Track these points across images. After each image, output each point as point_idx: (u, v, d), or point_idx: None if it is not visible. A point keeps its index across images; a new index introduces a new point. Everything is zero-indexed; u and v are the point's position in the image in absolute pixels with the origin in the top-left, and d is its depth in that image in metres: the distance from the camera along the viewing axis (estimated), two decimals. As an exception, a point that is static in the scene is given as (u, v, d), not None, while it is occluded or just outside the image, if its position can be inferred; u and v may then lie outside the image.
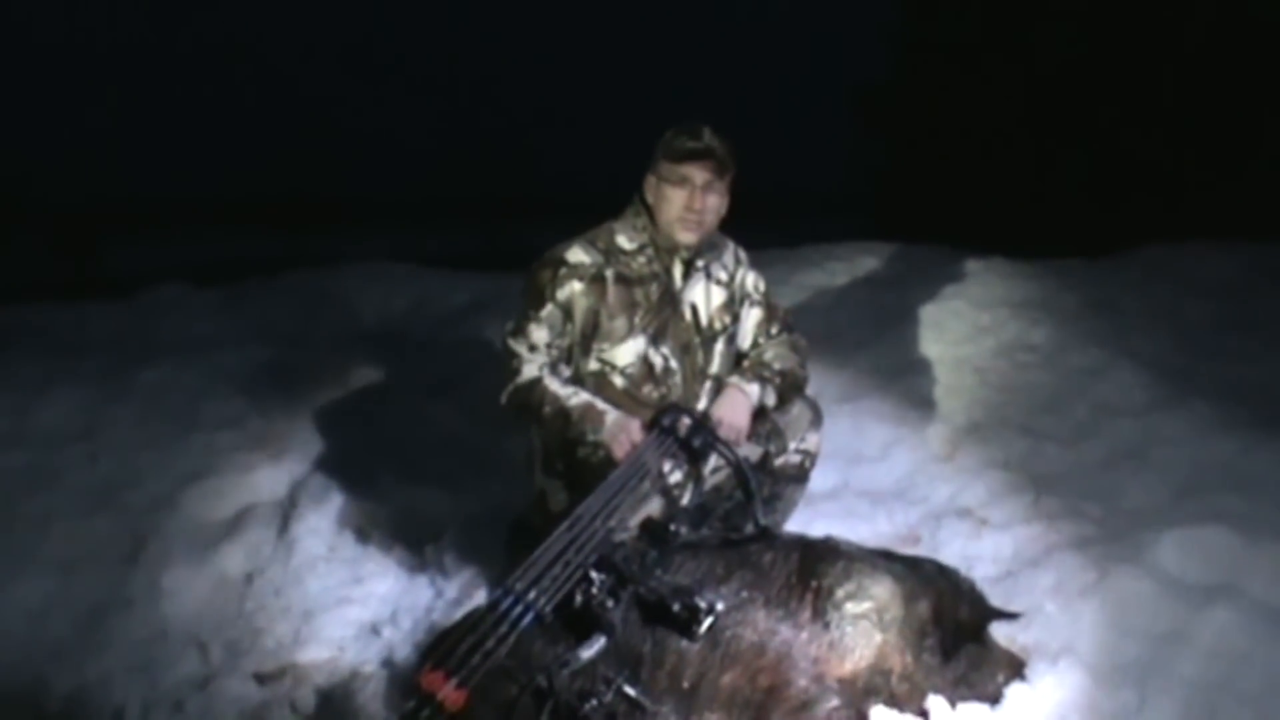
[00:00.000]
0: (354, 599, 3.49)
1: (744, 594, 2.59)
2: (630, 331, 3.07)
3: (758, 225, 3.99)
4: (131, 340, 5.87)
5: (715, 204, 3.07)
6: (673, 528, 2.75)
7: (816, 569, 2.62)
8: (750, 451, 3.11)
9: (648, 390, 3.09)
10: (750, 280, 3.30)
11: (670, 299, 3.12)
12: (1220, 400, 4.45)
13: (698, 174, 3.01)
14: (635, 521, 2.80)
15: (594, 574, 2.53)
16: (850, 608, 2.56)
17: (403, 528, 3.84)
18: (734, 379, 3.14)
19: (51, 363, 5.24)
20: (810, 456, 3.30)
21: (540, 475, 3.18)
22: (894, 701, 2.50)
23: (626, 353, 3.08)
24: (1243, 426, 4.17)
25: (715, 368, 3.20)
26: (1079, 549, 3.41)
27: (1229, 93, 9.81)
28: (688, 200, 3.02)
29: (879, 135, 12.43)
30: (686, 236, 3.06)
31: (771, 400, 3.15)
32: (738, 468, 2.92)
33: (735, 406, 3.06)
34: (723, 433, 2.98)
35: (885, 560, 2.74)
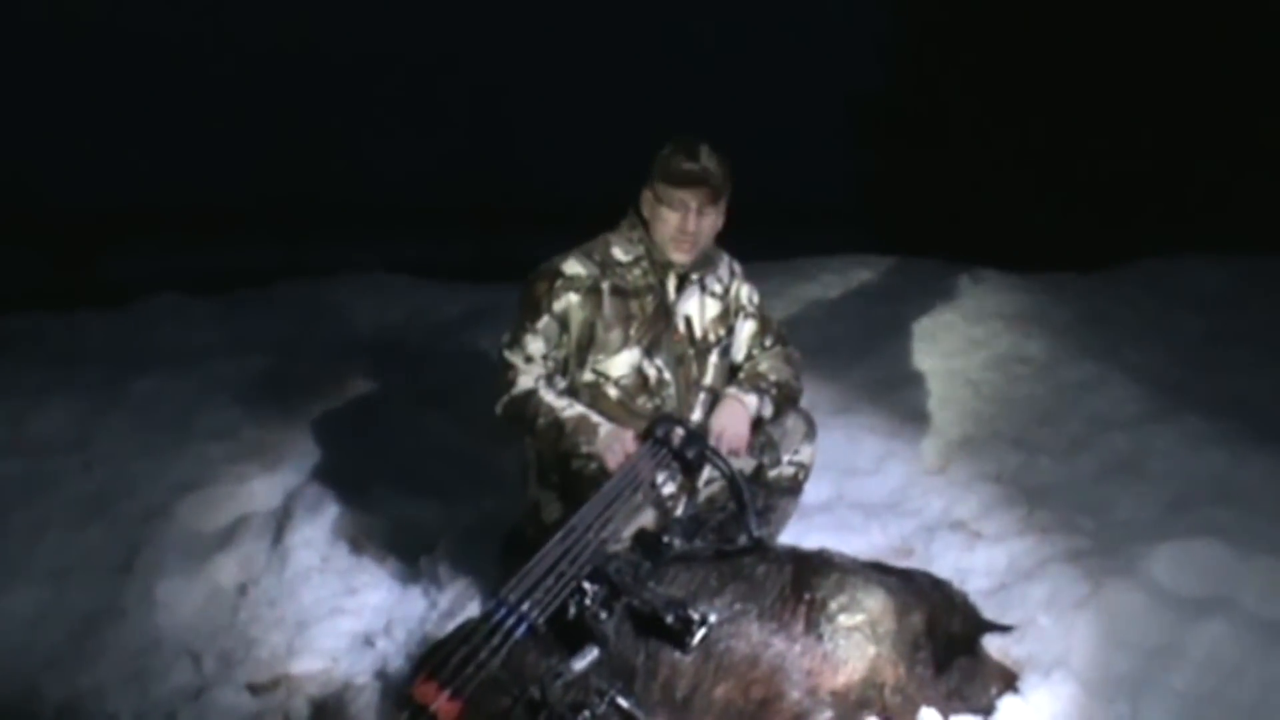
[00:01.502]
0: (347, 610, 3.49)
1: (737, 606, 2.60)
2: (625, 343, 3.08)
3: (752, 237, 3.99)
4: (126, 349, 5.86)
5: (710, 224, 3.08)
6: (666, 539, 2.76)
7: (810, 581, 2.63)
8: (744, 463, 3.11)
9: (642, 402, 3.10)
10: (744, 293, 3.30)
11: (665, 311, 3.12)
12: (1213, 413, 4.46)
13: (693, 199, 3.02)
14: (629, 533, 2.81)
15: (587, 585, 2.53)
16: (843, 620, 2.56)
17: (397, 539, 3.84)
18: (732, 390, 3.15)
19: (46, 371, 5.23)
20: (804, 469, 3.31)
21: (535, 486, 3.18)
22: (887, 714, 2.52)
23: (621, 364, 3.08)
24: (1235, 439, 4.18)
25: (709, 379, 3.20)
26: (1072, 562, 3.41)
27: (1222, 105, 9.84)
28: (681, 223, 3.02)
29: (874, 148, 12.45)
30: (680, 256, 3.07)
31: (768, 412, 3.16)
32: (731, 479, 2.92)
33: (735, 416, 3.07)
34: (725, 443, 2.99)
35: (878, 573, 2.75)
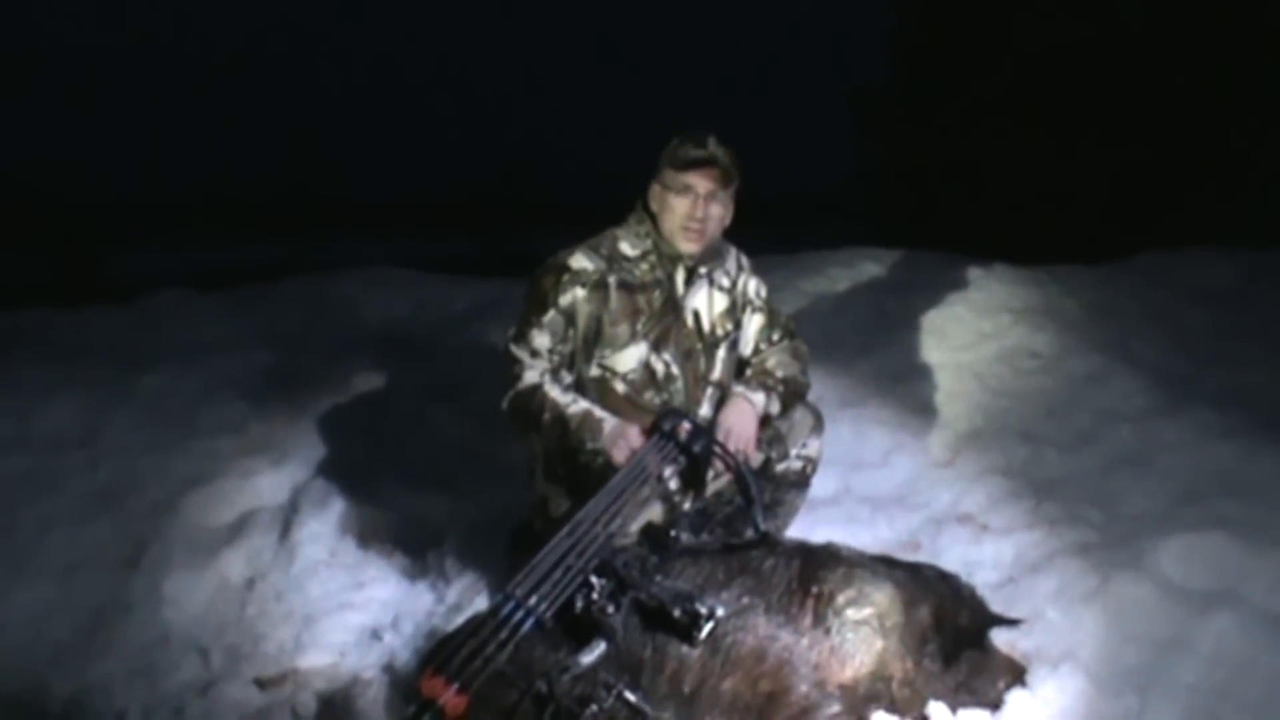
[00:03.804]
0: (355, 604, 3.49)
1: (745, 600, 2.59)
2: (632, 338, 3.07)
3: (759, 230, 3.99)
4: (133, 345, 5.87)
5: (718, 213, 3.07)
6: (673, 533, 2.76)
7: (817, 575, 2.63)
8: (755, 455, 3.10)
9: (649, 396, 3.09)
10: (752, 286, 3.30)
11: (672, 305, 3.12)
12: (1220, 406, 4.45)
13: (701, 183, 3.01)
14: (636, 527, 2.81)
15: (595, 579, 2.53)
16: (851, 614, 2.56)
17: (404, 533, 3.84)
18: (739, 388, 3.14)
19: (53, 368, 5.25)
20: (811, 462, 3.31)
21: (542, 481, 3.18)
22: (895, 708, 2.51)
23: (628, 359, 3.07)
24: (1243, 432, 4.17)
25: (717, 374, 3.19)
26: (1080, 555, 3.41)
27: (1228, 98, 9.82)
28: (690, 209, 3.02)
29: (880, 141, 12.43)
30: (688, 245, 3.06)
31: (776, 409, 3.15)
32: (738, 473, 2.92)
33: (743, 416, 3.06)
34: (732, 442, 2.98)
35: (886, 566, 2.74)
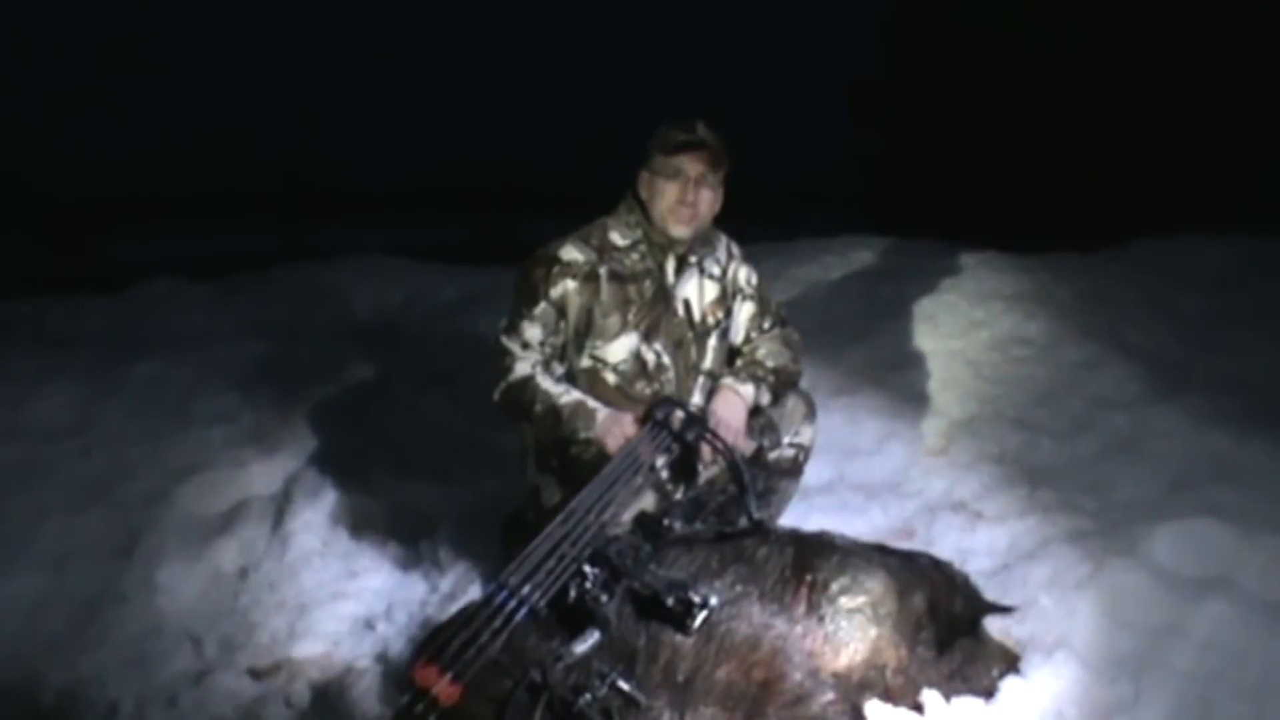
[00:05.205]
0: (348, 593, 3.49)
1: (738, 588, 2.59)
2: (623, 328, 3.06)
3: (752, 219, 3.98)
4: (125, 334, 5.86)
5: (708, 198, 3.07)
6: (666, 522, 2.75)
7: (811, 563, 2.62)
8: (744, 445, 3.10)
9: (640, 386, 3.09)
10: (743, 274, 3.29)
11: (663, 295, 3.11)
12: (1214, 393, 4.45)
13: (690, 166, 3.01)
14: (629, 515, 2.80)
15: (588, 568, 2.53)
16: (845, 602, 2.56)
17: (397, 522, 3.84)
18: (728, 380, 3.13)
19: (45, 357, 5.24)
20: (804, 450, 3.30)
21: (534, 471, 3.17)
22: (889, 695, 2.51)
23: (619, 349, 3.07)
24: (1236, 419, 4.17)
25: (708, 363, 3.19)
26: (1074, 542, 3.41)
27: (1222, 85, 9.81)
28: (680, 193, 3.01)
29: (873, 129, 12.42)
30: (679, 230, 3.06)
31: (765, 399, 3.15)
32: (731, 461, 2.91)
33: (731, 408, 3.05)
34: (719, 434, 2.98)
35: (880, 554, 2.74)
